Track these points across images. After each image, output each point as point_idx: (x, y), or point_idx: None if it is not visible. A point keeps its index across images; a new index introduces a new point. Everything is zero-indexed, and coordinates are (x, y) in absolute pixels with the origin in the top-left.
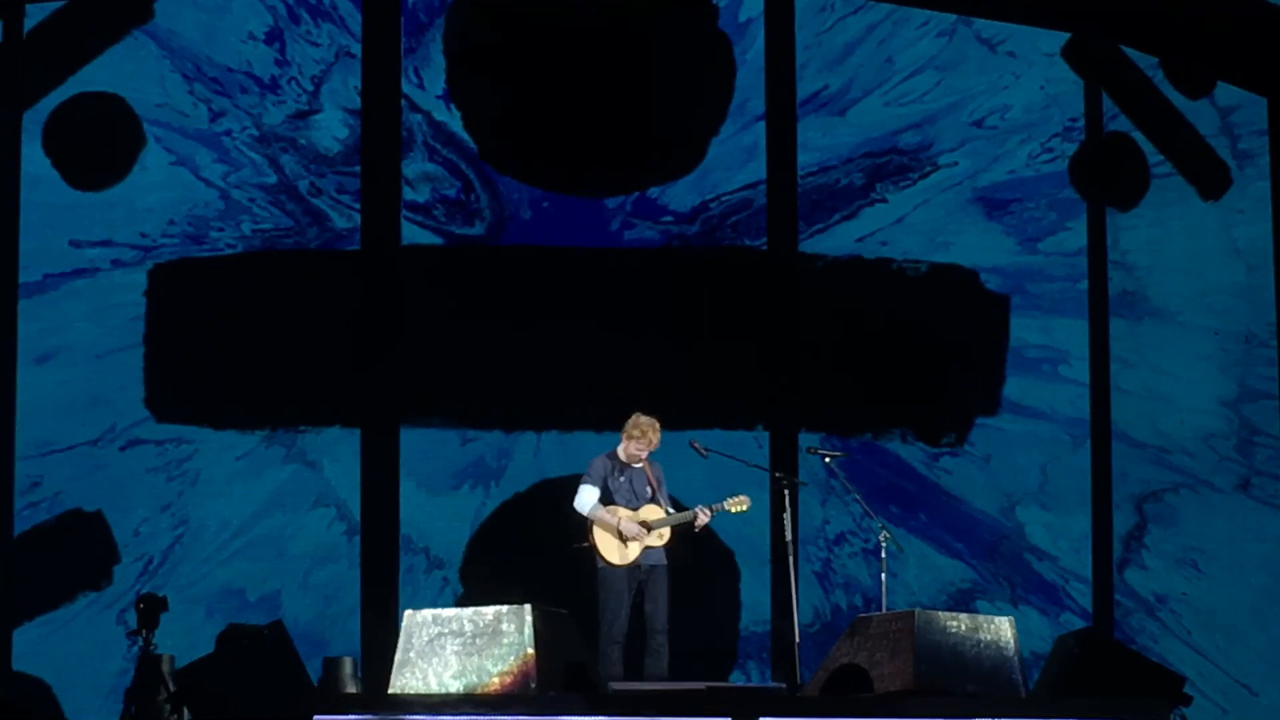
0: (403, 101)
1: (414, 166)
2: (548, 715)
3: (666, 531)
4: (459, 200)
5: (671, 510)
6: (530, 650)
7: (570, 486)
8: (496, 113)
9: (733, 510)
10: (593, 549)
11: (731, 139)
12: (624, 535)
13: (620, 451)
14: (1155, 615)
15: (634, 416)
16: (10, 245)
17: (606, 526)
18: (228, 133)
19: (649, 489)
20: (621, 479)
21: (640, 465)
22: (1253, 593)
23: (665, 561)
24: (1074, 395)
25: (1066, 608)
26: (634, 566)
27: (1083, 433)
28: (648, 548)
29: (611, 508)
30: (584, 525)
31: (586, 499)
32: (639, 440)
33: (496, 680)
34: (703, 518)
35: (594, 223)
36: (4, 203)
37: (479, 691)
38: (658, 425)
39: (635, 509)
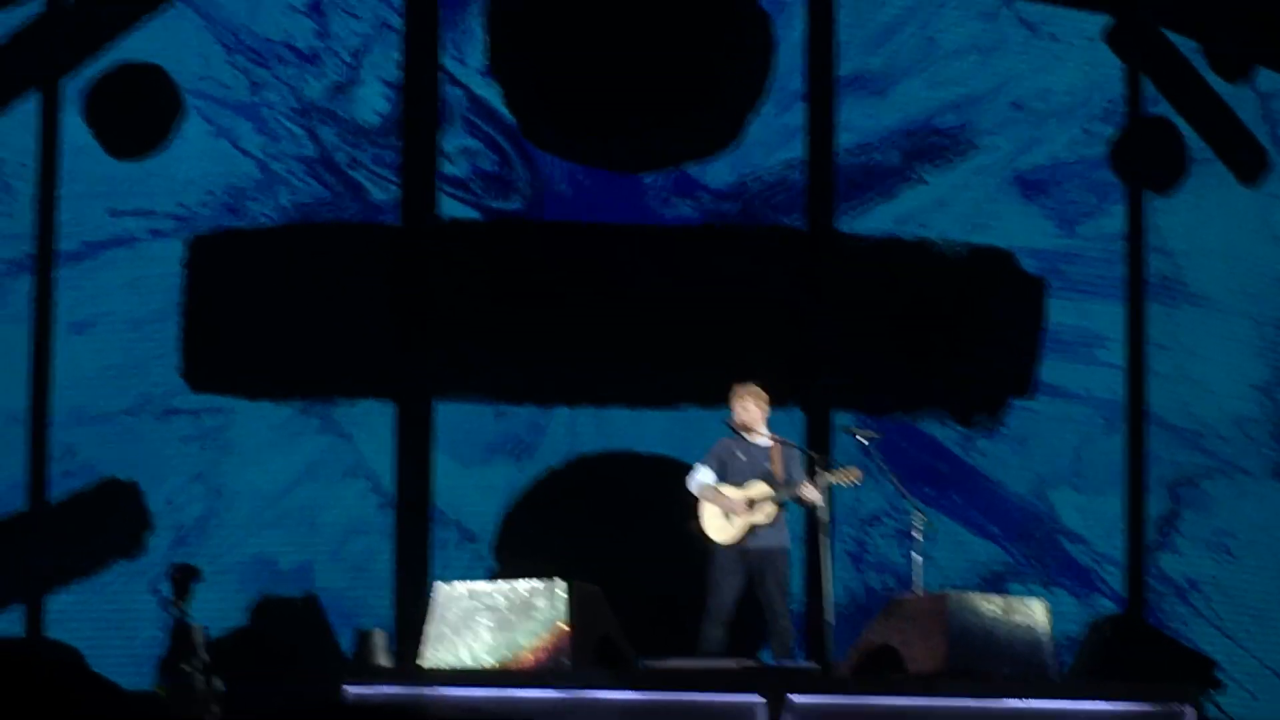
0: (442, 75)
1: (453, 140)
2: (579, 690)
3: (772, 509)
4: (497, 175)
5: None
6: (563, 625)
7: (603, 463)
8: (536, 88)
9: (844, 482)
10: (699, 529)
11: (771, 118)
12: (726, 511)
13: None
14: (1187, 600)
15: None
16: (49, 214)
17: (711, 504)
18: (267, 104)
19: (768, 466)
20: (742, 458)
21: (767, 444)
22: None
23: (783, 545)
24: (1109, 378)
25: (1099, 591)
26: (742, 549)
27: (1117, 416)
28: (755, 528)
29: (720, 486)
30: (697, 506)
31: (695, 478)
32: (734, 407)
33: (528, 654)
34: (808, 491)
35: (632, 199)
36: (44, 171)
37: (511, 666)
38: (742, 392)
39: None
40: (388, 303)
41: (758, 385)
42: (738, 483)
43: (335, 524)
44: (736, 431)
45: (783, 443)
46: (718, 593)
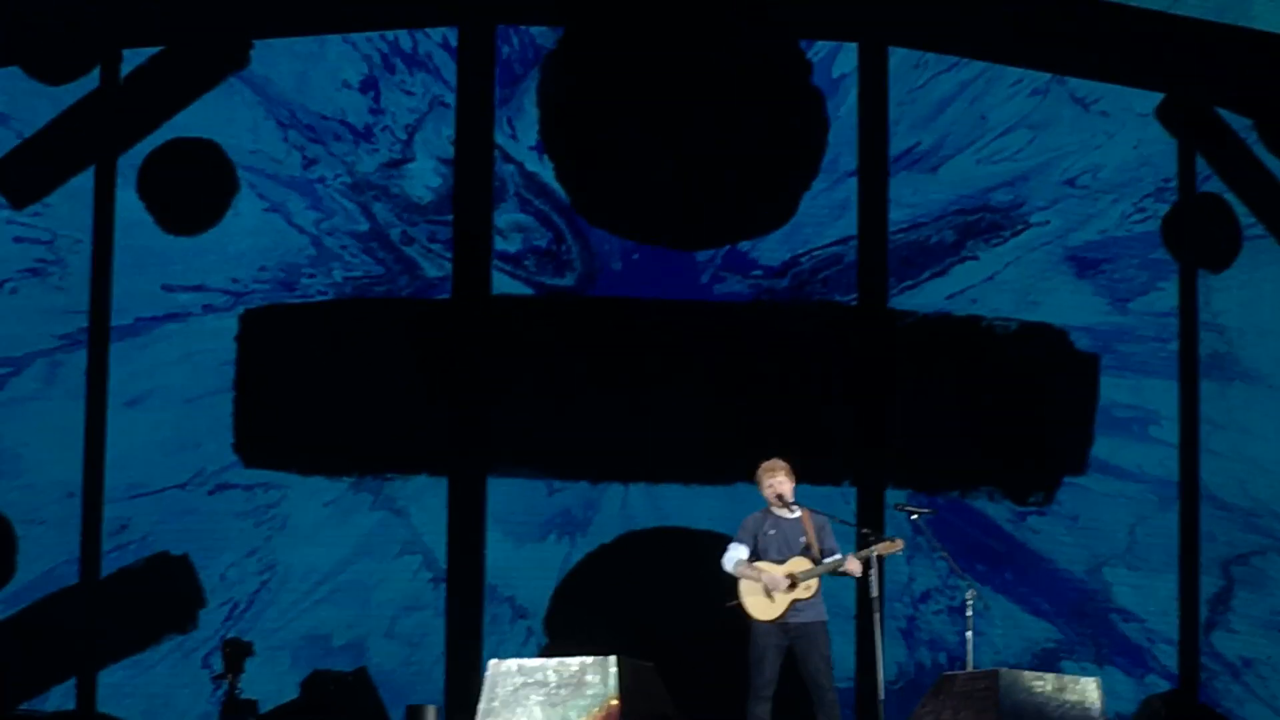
0: (495, 152)
1: (506, 216)
2: None
3: (814, 583)
4: (550, 251)
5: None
6: (614, 701)
7: (656, 539)
8: (589, 164)
9: (885, 553)
10: (740, 606)
11: (823, 194)
12: (767, 589)
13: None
14: (1241, 679)
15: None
16: (103, 288)
17: (751, 582)
18: (321, 180)
19: (804, 540)
20: (772, 532)
21: (797, 516)
22: None
23: (822, 618)
24: (1163, 456)
25: (1152, 669)
26: (783, 624)
27: (1171, 494)
28: (796, 601)
29: (758, 564)
30: (735, 584)
31: (731, 556)
32: (763, 486)
33: None
34: (852, 564)
35: (684, 275)
36: (98, 246)
37: None
38: (775, 466)
39: (783, 561)
40: (441, 379)
41: (783, 460)
42: (776, 559)
43: (388, 600)
44: (771, 506)
45: (812, 513)
46: (761, 669)
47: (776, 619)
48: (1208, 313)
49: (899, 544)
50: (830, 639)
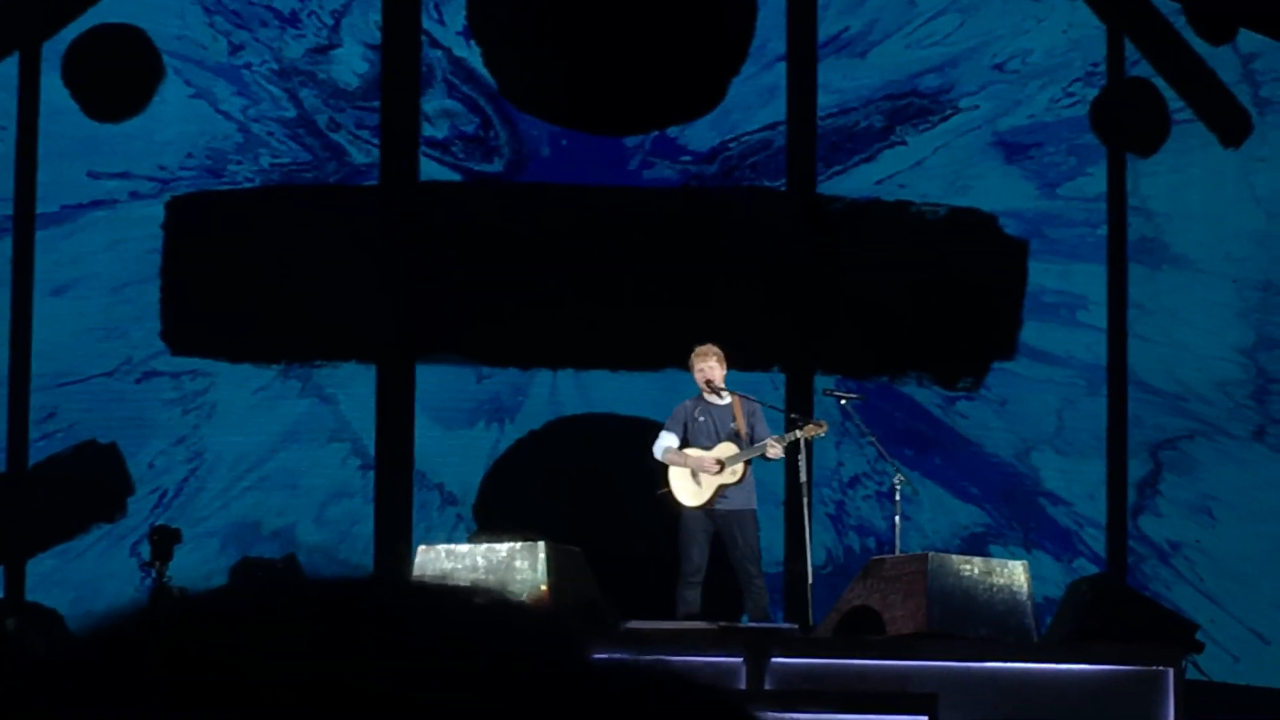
0: (423, 37)
1: (433, 102)
2: None
3: (740, 468)
4: (478, 137)
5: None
6: (543, 587)
7: (585, 425)
8: (517, 49)
9: (809, 436)
10: (669, 494)
11: (752, 79)
12: (694, 473)
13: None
14: (1169, 562)
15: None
16: (28, 176)
17: (679, 469)
18: (247, 66)
19: (733, 425)
20: (702, 419)
21: (727, 402)
22: (1266, 541)
23: (751, 506)
24: (1091, 341)
25: (1080, 553)
26: (710, 510)
27: (1099, 378)
28: (723, 487)
29: (686, 450)
30: (666, 472)
31: (660, 444)
32: (694, 371)
33: None
34: (773, 449)
35: (613, 161)
36: (23, 134)
37: None
38: (706, 351)
39: (710, 448)
40: (368, 265)
41: (715, 346)
42: (706, 446)
43: (317, 487)
44: (704, 392)
45: (743, 399)
46: (689, 556)
47: (704, 505)
48: (1136, 198)
49: (823, 427)
50: (760, 527)
